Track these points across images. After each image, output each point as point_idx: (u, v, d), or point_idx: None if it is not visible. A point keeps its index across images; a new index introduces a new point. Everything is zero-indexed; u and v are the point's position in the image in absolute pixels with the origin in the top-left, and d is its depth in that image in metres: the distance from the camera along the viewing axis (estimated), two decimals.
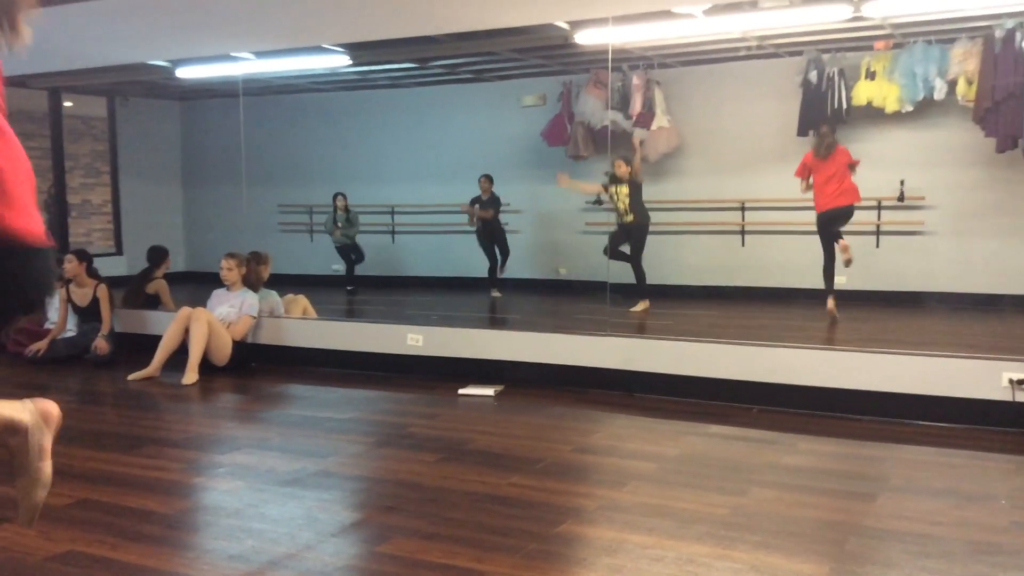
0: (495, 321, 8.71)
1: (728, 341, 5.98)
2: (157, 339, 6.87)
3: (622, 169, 8.53)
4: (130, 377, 6.67)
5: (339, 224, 10.86)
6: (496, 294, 10.02)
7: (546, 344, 6.37)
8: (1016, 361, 5.04)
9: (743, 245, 9.79)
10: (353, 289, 10.92)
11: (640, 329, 7.69)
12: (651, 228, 8.72)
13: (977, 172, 8.60)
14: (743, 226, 9.77)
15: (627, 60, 9.27)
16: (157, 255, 8.20)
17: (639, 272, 8.57)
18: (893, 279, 8.85)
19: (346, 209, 10.86)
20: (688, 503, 3.79)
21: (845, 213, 7.72)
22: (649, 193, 8.72)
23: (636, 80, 9.45)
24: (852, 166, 7.64)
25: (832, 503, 3.82)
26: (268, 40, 7.19)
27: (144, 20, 6.29)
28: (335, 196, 10.85)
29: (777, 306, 8.72)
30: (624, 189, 8.54)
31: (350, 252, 11.04)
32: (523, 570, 3.10)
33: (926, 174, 8.86)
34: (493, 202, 10.01)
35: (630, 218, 8.56)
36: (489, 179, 10.00)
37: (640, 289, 8.54)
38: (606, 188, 8.80)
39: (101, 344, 7.29)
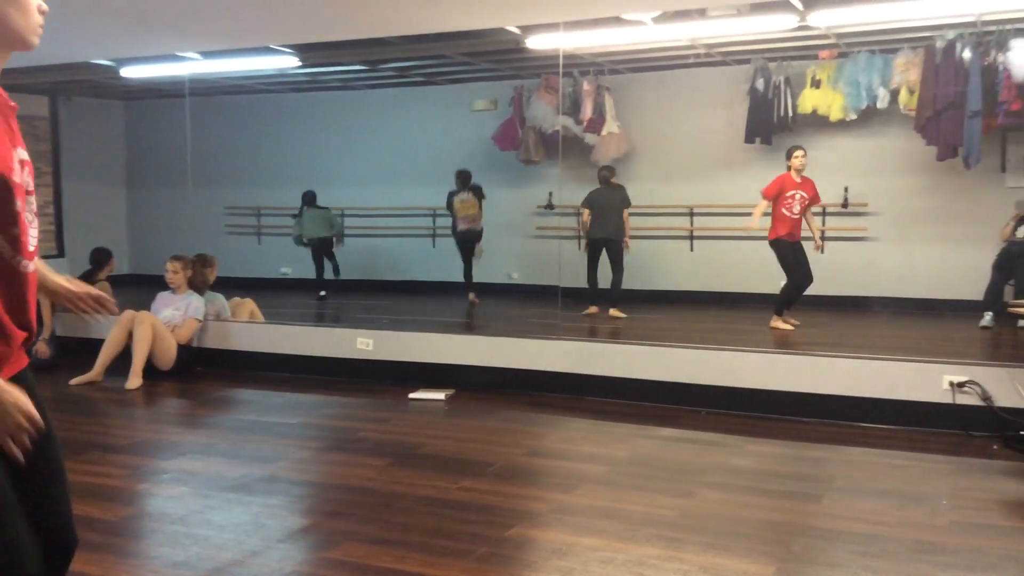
0: (446, 325, 8.67)
1: (677, 345, 6.04)
2: (99, 343, 6.73)
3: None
4: (72, 381, 6.53)
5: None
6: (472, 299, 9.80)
7: (497, 348, 6.36)
8: (956, 364, 5.16)
9: (692, 250, 9.89)
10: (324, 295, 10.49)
11: (590, 333, 7.73)
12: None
13: (918, 179, 8.78)
14: (692, 231, 9.86)
15: (578, 66, 9.32)
16: (101, 257, 8.04)
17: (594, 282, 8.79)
18: (837, 284, 8.99)
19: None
20: (638, 505, 3.81)
21: None
22: None
23: (587, 86, 9.49)
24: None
25: (778, 504, 3.87)
26: (215, 40, 7.09)
27: (87, 17, 6.15)
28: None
29: (725, 310, 8.81)
30: None
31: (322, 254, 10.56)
32: (474, 574, 3.09)
33: (869, 181, 9.02)
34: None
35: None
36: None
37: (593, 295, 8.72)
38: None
39: (42, 348, 7.12)
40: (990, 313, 7.61)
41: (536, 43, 7.13)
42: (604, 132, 9.56)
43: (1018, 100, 7.24)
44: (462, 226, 9.52)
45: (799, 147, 7.71)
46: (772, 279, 7.98)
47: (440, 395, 6.05)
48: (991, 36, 7.53)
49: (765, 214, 7.72)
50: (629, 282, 8.88)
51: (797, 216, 7.62)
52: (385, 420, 5.49)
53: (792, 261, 7.67)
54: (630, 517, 3.65)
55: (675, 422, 5.38)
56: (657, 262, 9.89)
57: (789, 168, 7.62)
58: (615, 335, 7.74)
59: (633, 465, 4.51)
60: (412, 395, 6.08)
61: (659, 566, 3.15)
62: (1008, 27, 7.38)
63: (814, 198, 7.73)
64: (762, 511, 3.78)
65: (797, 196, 7.57)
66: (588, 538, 3.42)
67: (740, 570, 3.12)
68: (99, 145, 12.18)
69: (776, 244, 7.67)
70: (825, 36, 7.87)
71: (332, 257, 10.48)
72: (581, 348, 6.20)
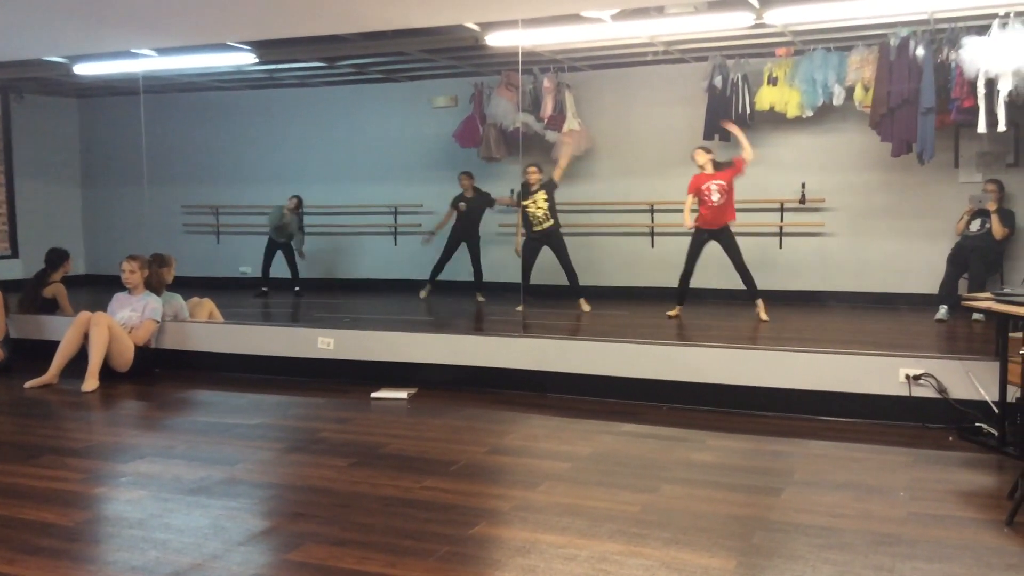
0: (407, 323, 8.64)
1: (638, 341, 6.07)
2: (55, 345, 6.62)
3: (535, 176, 8.60)
4: (27, 384, 6.41)
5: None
6: (480, 299, 9.72)
7: (459, 345, 6.35)
8: (912, 357, 5.24)
9: (652, 246, 9.94)
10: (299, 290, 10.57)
11: (552, 330, 7.74)
12: (563, 230, 8.81)
13: (874, 176, 8.91)
14: (652, 227, 9.92)
15: (537, 63, 9.32)
16: (56, 258, 7.89)
17: (574, 272, 8.72)
18: (795, 279, 9.10)
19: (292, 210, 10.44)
20: (601, 501, 3.82)
21: None
22: (560, 195, 8.78)
23: (547, 83, 9.50)
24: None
25: (740, 498, 3.91)
26: (170, 36, 6.98)
27: (38, 13, 6.04)
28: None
29: (686, 306, 8.84)
30: (542, 195, 8.59)
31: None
32: (437, 573, 3.08)
33: (826, 177, 9.13)
34: (482, 199, 9.77)
35: (549, 223, 8.61)
36: (469, 175, 9.72)
37: (578, 288, 8.68)
38: (518, 201, 8.78)
39: None
40: (945, 306, 7.74)
41: (495, 40, 7.12)
42: (565, 129, 9.58)
43: (970, 97, 7.34)
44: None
45: (702, 147, 8.24)
46: (733, 275, 8.07)
47: (402, 394, 6.02)
48: (944, 34, 7.64)
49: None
50: (591, 278, 8.90)
51: (714, 205, 8.00)
52: (346, 420, 5.46)
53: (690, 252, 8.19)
54: (593, 513, 3.66)
55: (637, 418, 5.41)
56: (618, 258, 9.93)
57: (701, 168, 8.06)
58: (577, 332, 7.77)
59: (595, 461, 4.52)
60: (374, 394, 6.05)
61: (622, 562, 3.16)
62: (960, 25, 7.51)
63: (726, 176, 8.03)
64: (724, 505, 3.81)
65: (713, 186, 7.97)
66: (551, 535, 3.43)
67: (702, 564, 3.14)
68: (53, 143, 11.98)
69: None
70: (781, 34, 7.95)
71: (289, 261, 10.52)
72: (543, 345, 6.21)
